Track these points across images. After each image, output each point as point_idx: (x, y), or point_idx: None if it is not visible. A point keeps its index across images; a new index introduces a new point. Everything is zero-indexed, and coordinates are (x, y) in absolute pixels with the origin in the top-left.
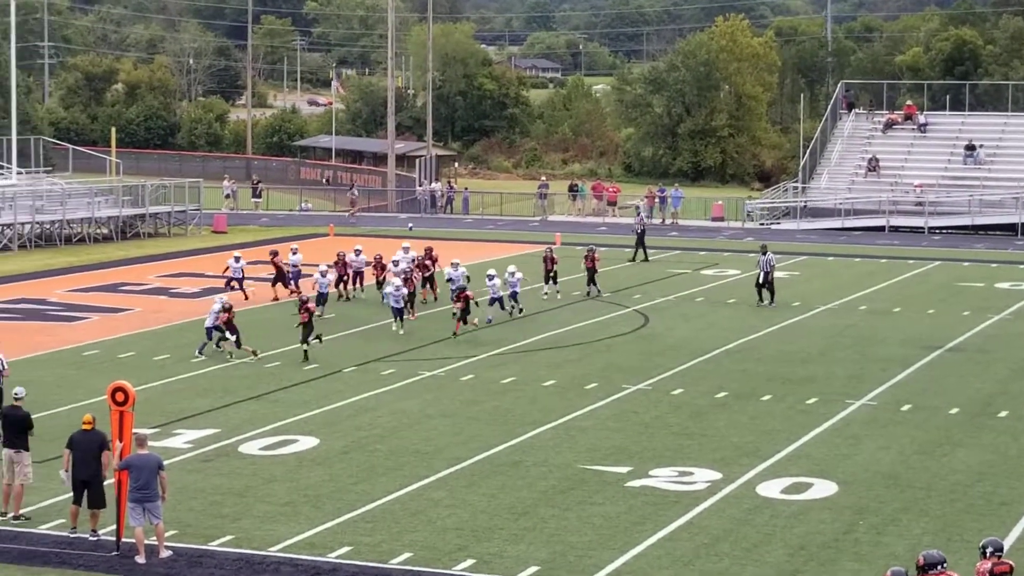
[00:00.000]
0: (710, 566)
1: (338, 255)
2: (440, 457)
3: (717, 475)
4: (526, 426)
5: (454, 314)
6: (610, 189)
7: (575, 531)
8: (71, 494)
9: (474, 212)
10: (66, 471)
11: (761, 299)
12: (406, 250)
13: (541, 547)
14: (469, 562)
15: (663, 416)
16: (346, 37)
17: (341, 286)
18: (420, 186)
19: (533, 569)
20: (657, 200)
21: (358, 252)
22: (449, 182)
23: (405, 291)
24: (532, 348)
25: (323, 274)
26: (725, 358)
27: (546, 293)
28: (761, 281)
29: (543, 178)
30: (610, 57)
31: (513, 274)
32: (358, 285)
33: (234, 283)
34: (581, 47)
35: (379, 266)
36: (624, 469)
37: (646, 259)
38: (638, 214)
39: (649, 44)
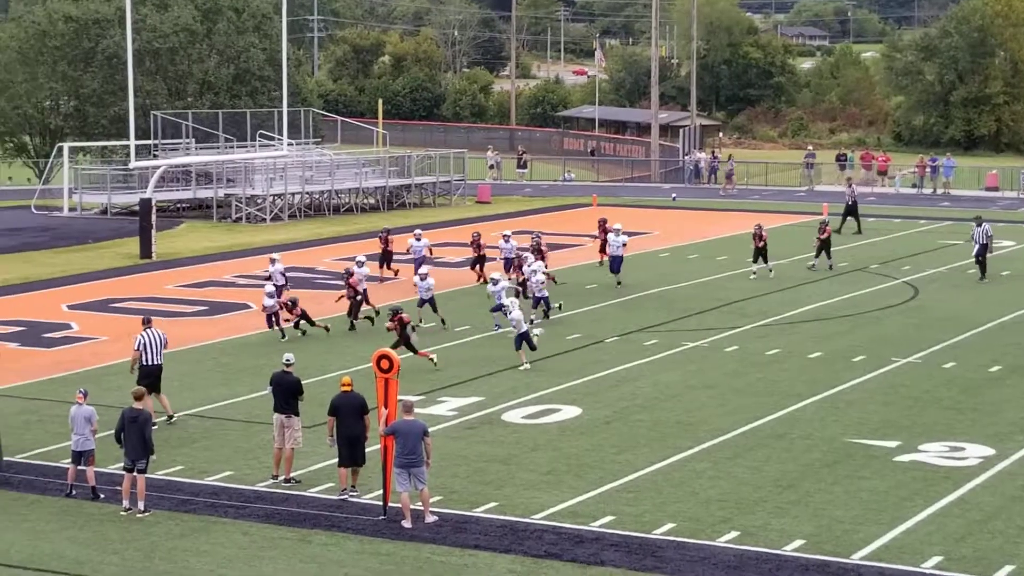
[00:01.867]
0: (983, 544)
1: (388, 240)
2: (703, 428)
3: (990, 451)
4: (791, 398)
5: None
6: (880, 158)
7: (841, 505)
8: (338, 458)
9: (739, 182)
10: (331, 437)
11: (983, 275)
12: (506, 238)
13: (806, 521)
14: (733, 534)
15: (933, 390)
16: (610, 7)
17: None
18: (686, 155)
19: (798, 543)
20: (928, 170)
21: (507, 238)
22: (713, 152)
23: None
24: (798, 320)
25: (360, 264)
26: (999, 331)
27: (754, 272)
28: (977, 253)
29: (810, 147)
30: (880, 24)
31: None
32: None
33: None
34: (850, 14)
35: (476, 245)
36: (892, 443)
37: (859, 231)
38: (849, 185)
39: (920, 10)
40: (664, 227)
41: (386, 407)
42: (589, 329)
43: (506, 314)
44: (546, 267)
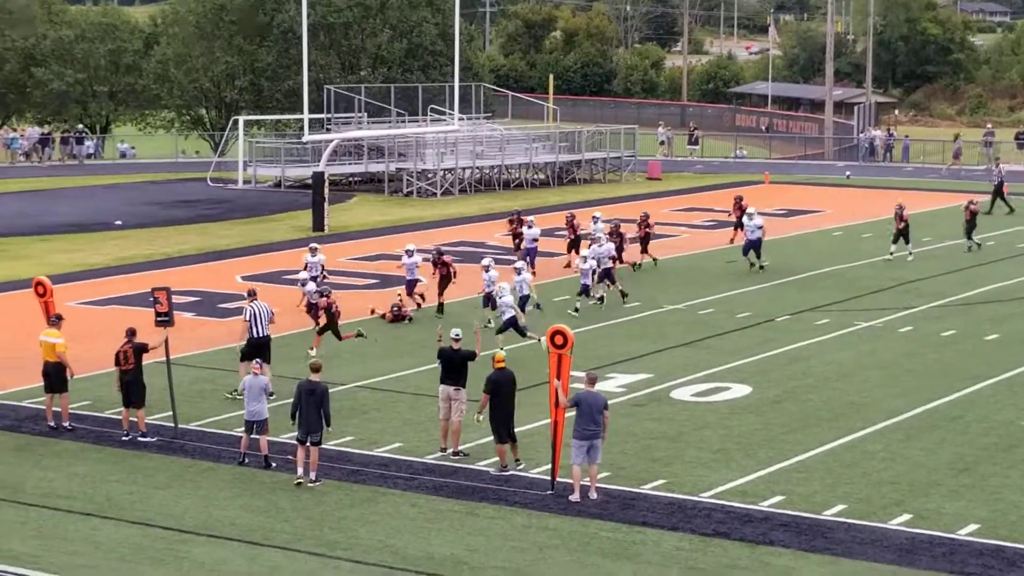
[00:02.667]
0: None
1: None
2: (876, 409)
3: None
4: (967, 380)
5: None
6: None
7: (1018, 490)
8: (496, 435)
9: (914, 160)
10: (481, 414)
11: None
12: (595, 220)
13: (981, 505)
14: (905, 517)
15: None
16: None
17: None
18: (861, 133)
19: (972, 527)
20: None
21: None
22: (889, 129)
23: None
24: (974, 301)
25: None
26: None
27: (891, 254)
28: None
29: (988, 126)
30: None
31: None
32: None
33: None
34: None
35: (571, 226)
36: None
37: (1011, 210)
38: (996, 164)
39: None
40: (837, 205)
41: (559, 379)
42: (760, 307)
43: (497, 298)
44: (618, 252)
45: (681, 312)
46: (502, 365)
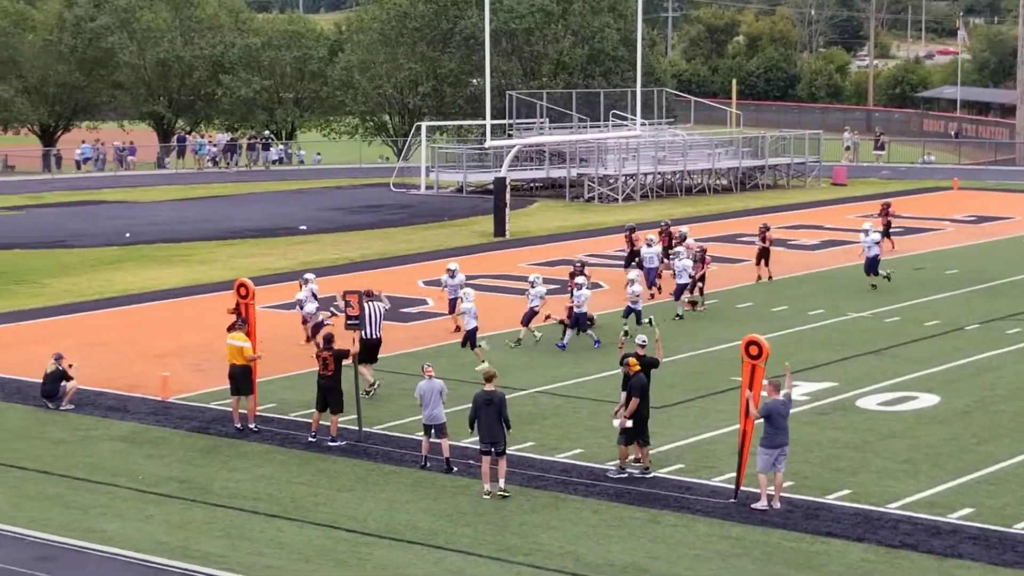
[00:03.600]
0: None
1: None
2: None
3: None
4: None
5: None
6: None
7: None
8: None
9: None
10: (627, 417)
11: None
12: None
13: None
14: None
15: None
16: None
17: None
18: None
19: None
20: None
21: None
22: None
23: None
24: None
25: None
26: None
27: None
28: None
29: None
30: None
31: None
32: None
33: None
34: None
35: (665, 233)
36: None
37: None
38: None
39: None
40: None
41: (750, 390)
42: (949, 315)
43: (463, 299)
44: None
45: (866, 320)
46: (637, 369)
